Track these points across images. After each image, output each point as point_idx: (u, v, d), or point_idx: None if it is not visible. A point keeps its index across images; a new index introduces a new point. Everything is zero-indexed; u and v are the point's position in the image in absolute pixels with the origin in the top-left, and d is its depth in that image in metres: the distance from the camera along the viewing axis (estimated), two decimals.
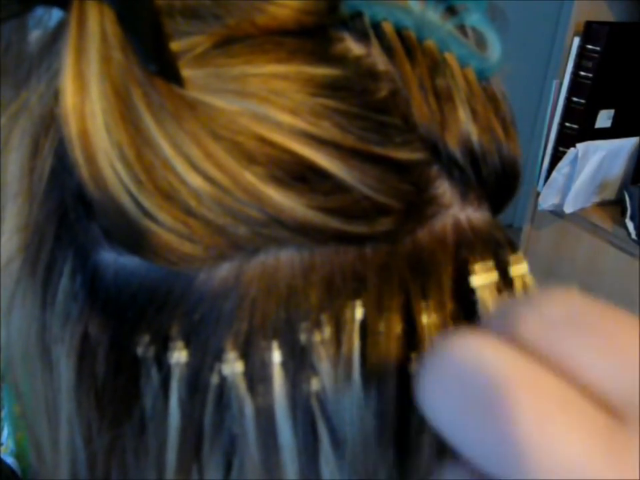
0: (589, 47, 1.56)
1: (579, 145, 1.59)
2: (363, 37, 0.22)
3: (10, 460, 0.67)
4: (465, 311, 0.22)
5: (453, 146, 0.22)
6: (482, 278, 0.22)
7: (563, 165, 1.61)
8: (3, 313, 0.25)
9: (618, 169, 1.68)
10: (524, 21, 2.20)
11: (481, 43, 0.23)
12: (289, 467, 0.21)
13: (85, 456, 0.24)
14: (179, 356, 0.21)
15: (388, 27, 0.22)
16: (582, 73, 1.58)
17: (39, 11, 0.23)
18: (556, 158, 1.64)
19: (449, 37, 0.23)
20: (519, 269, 0.24)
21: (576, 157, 1.59)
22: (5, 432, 0.67)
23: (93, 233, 0.22)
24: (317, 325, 0.21)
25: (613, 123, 1.64)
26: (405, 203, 0.21)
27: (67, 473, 0.25)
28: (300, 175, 0.20)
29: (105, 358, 0.23)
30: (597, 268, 1.64)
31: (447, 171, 0.22)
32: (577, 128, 1.61)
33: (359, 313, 0.21)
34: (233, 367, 0.21)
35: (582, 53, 1.57)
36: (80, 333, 0.23)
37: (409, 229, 0.22)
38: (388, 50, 0.22)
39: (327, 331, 0.21)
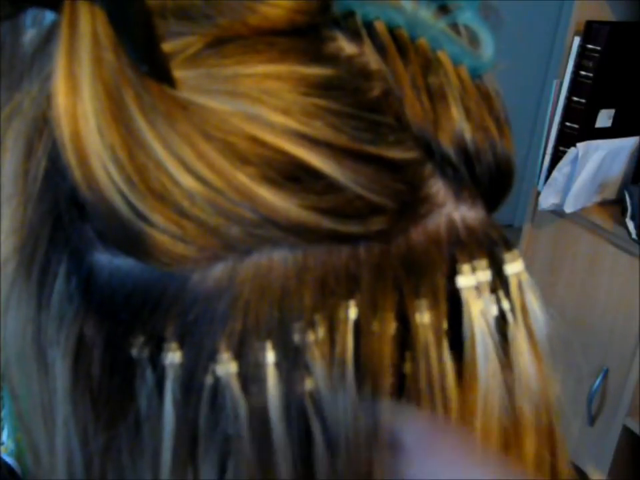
0: (590, 46, 1.56)
1: (579, 145, 1.59)
2: (355, 36, 0.22)
3: (10, 460, 0.66)
4: (459, 309, 0.22)
5: (446, 144, 0.22)
6: (475, 277, 0.22)
7: (563, 165, 1.61)
8: None
9: (618, 168, 1.68)
10: (524, 21, 2.20)
11: (474, 40, 0.23)
12: (282, 466, 0.21)
13: (81, 457, 0.24)
14: (173, 357, 0.21)
15: (380, 26, 0.22)
16: (582, 73, 1.57)
17: (33, 10, 0.23)
18: (556, 158, 1.64)
19: (442, 35, 0.22)
20: (514, 266, 0.24)
21: (576, 156, 1.59)
22: (5, 432, 0.67)
23: (87, 235, 0.22)
24: (311, 325, 0.21)
25: (613, 123, 1.64)
26: (398, 202, 0.21)
27: (64, 474, 0.25)
28: (293, 175, 0.20)
29: (100, 359, 0.23)
30: (597, 268, 1.64)
31: (440, 170, 0.22)
32: (577, 127, 1.60)
33: (352, 312, 0.21)
34: (227, 367, 0.21)
35: (582, 53, 1.56)
36: (75, 335, 0.23)
37: (403, 228, 0.22)
38: (380, 49, 0.22)
39: (321, 331, 0.21)
